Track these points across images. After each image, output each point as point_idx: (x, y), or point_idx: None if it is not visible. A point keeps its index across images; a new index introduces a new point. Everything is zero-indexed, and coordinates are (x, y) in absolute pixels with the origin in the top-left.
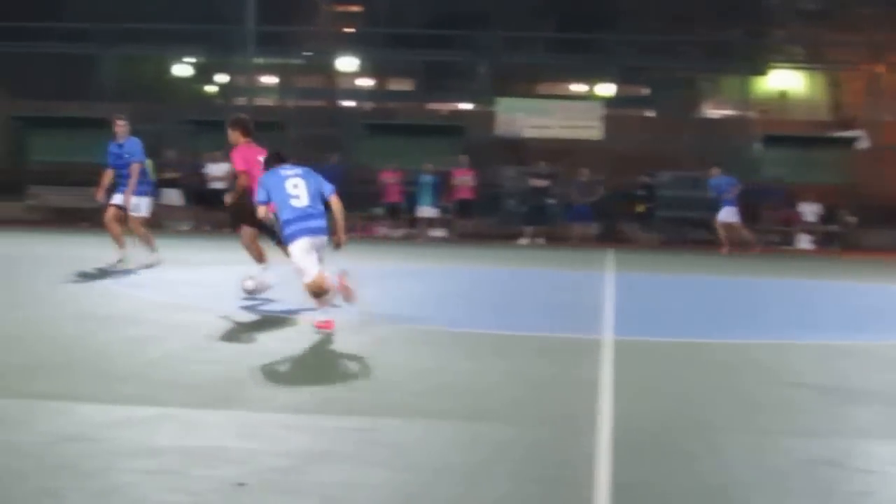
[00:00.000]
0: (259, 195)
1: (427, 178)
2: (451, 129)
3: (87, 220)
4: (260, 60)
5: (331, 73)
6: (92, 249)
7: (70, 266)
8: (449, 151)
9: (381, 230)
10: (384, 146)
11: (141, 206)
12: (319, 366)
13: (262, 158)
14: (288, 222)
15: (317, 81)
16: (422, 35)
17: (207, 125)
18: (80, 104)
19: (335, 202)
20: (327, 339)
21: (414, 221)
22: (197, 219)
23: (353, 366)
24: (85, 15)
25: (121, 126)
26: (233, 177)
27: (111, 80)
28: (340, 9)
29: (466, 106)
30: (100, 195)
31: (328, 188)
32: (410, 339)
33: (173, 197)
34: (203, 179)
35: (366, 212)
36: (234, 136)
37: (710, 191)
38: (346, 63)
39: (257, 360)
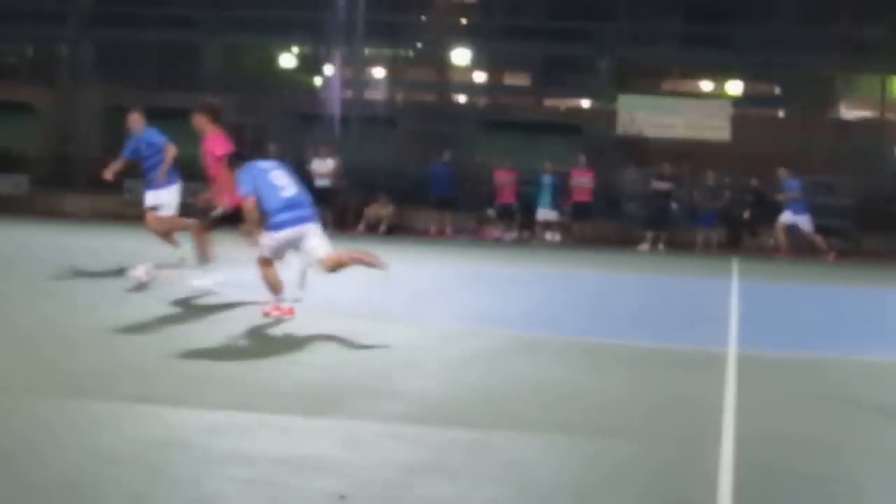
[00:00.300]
0: (244, 188)
1: (547, 179)
2: (570, 126)
3: (187, 216)
4: (369, 51)
5: (443, 66)
6: (188, 247)
7: (163, 264)
8: (567, 150)
9: (494, 232)
10: (498, 144)
11: (169, 202)
12: (427, 373)
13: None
14: (276, 211)
15: (428, 74)
16: (540, 27)
17: (313, 119)
18: (182, 94)
19: None
20: (435, 345)
21: (528, 223)
22: None
23: (462, 374)
24: (188, 1)
25: (136, 120)
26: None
27: (214, 70)
28: None
29: (586, 103)
30: (109, 174)
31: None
32: (522, 346)
33: None
34: (307, 176)
35: (478, 213)
36: (200, 121)
37: (786, 192)
38: (460, 55)
39: (360, 365)
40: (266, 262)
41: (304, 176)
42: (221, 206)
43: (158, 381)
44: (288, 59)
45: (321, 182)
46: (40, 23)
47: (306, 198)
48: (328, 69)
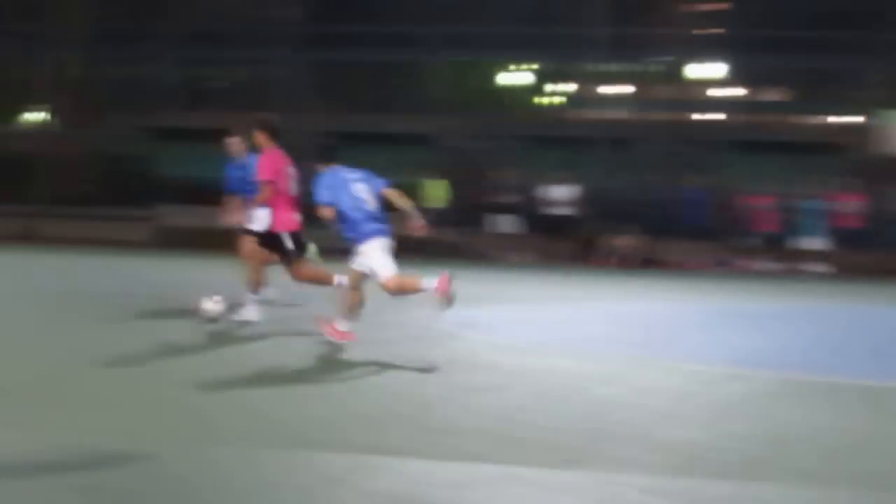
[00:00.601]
0: (322, 195)
1: (812, 204)
2: (835, 145)
3: (413, 248)
4: (608, 68)
5: (691, 82)
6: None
7: (393, 302)
8: (832, 172)
9: (753, 263)
10: (755, 166)
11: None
12: (687, 419)
13: (287, 170)
14: (359, 222)
15: (675, 91)
16: (800, 37)
17: (547, 142)
18: (404, 117)
19: (393, 193)
20: (695, 389)
21: (789, 253)
22: (535, 249)
23: (727, 420)
24: (407, 17)
25: (237, 144)
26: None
27: (438, 91)
28: (704, 7)
29: (853, 119)
30: (228, 218)
31: (382, 183)
32: (790, 389)
33: (507, 224)
34: (542, 204)
35: (734, 242)
36: (259, 138)
37: None
38: (710, 70)
39: (611, 412)
40: (393, 282)
41: (537, 204)
42: (283, 234)
43: (387, 429)
44: (519, 78)
45: (559, 211)
46: (249, 45)
47: (383, 214)
48: (563, 87)
